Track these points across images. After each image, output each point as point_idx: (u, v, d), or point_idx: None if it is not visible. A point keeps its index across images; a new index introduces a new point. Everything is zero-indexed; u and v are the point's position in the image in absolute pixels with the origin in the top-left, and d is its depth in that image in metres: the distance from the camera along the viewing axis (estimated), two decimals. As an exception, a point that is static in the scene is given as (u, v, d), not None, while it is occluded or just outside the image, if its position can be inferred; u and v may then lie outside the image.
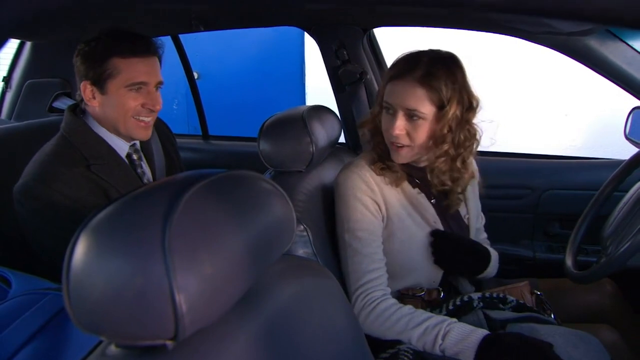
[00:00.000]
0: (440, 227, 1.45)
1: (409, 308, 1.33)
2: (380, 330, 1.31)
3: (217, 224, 0.62)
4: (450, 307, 1.39)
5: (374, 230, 1.38)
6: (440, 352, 1.25)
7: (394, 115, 1.35)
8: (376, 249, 1.38)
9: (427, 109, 1.32)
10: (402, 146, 1.37)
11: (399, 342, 1.28)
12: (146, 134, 1.51)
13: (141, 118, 1.47)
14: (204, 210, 0.62)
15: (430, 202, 1.46)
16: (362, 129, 1.50)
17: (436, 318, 1.29)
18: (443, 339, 1.25)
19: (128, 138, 1.52)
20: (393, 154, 1.39)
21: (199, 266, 0.58)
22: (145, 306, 0.55)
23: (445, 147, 1.36)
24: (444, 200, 1.47)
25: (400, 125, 1.34)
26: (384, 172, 1.41)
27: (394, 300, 1.35)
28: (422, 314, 1.31)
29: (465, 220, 1.54)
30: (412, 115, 1.33)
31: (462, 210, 1.53)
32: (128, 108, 1.44)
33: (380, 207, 1.40)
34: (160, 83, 1.49)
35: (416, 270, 1.44)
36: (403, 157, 1.39)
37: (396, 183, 1.42)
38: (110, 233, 0.57)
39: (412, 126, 1.34)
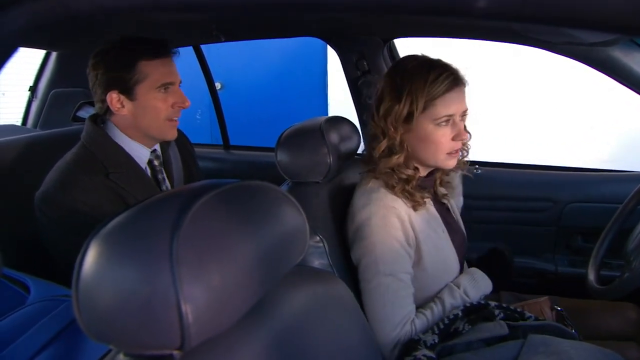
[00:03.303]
0: (445, 230, 1.44)
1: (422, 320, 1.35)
2: None
3: (227, 234, 0.62)
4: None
5: (409, 269, 1.34)
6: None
7: (453, 124, 1.34)
8: (411, 287, 1.35)
9: None
10: (458, 150, 1.37)
11: (415, 348, 1.26)
12: (175, 132, 1.55)
13: (171, 118, 1.50)
14: (214, 220, 0.62)
15: (435, 208, 1.45)
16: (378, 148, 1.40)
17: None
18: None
19: (152, 143, 1.54)
20: (448, 162, 1.37)
21: (206, 276, 0.58)
22: (152, 316, 0.55)
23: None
24: (440, 197, 1.51)
25: (464, 129, 1.36)
26: (412, 196, 1.37)
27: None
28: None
29: (454, 215, 1.55)
30: (462, 117, 1.35)
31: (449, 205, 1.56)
32: (161, 111, 1.47)
33: (410, 239, 1.35)
34: (181, 82, 1.53)
35: (443, 284, 1.42)
36: (456, 160, 1.39)
37: (421, 203, 1.38)
38: (119, 242, 0.58)
39: (463, 127, 1.37)
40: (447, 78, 1.31)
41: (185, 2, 0.85)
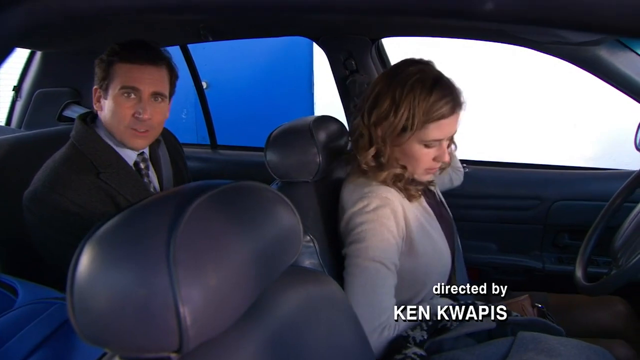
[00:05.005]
0: (437, 221, 1.45)
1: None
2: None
3: (223, 235, 0.62)
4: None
5: (396, 260, 1.34)
6: None
7: (438, 146, 1.34)
8: (395, 279, 1.34)
9: None
10: (436, 168, 1.38)
11: (404, 346, 1.26)
12: (140, 143, 1.50)
13: (134, 127, 1.46)
14: (210, 222, 0.61)
15: (426, 199, 1.46)
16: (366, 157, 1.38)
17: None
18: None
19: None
20: (424, 176, 1.39)
21: (203, 278, 0.57)
22: (149, 318, 0.55)
23: None
24: (427, 185, 1.51)
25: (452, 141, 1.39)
26: (406, 191, 1.38)
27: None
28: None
29: (440, 199, 1.58)
30: (449, 139, 1.36)
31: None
32: (121, 115, 1.44)
33: (400, 229, 1.35)
34: (157, 94, 1.47)
35: (432, 280, 1.41)
36: (432, 175, 1.41)
37: (416, 196, 1.40)
38: (115, 244, 0.57)
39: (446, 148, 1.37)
40: (448, 103, 1.29)
41: (178, 4, 0.84)
